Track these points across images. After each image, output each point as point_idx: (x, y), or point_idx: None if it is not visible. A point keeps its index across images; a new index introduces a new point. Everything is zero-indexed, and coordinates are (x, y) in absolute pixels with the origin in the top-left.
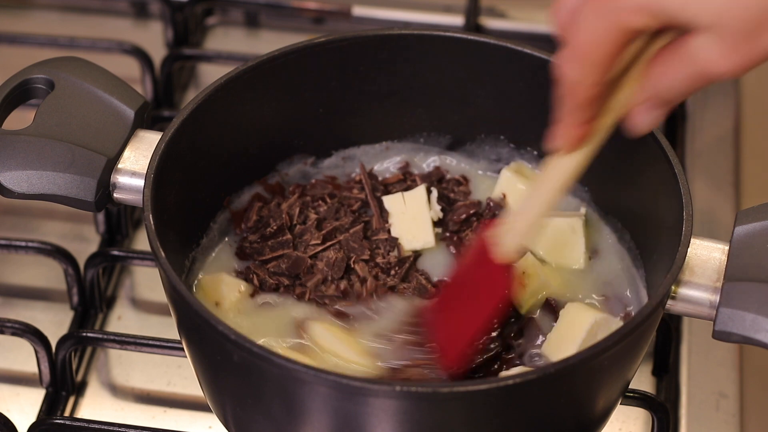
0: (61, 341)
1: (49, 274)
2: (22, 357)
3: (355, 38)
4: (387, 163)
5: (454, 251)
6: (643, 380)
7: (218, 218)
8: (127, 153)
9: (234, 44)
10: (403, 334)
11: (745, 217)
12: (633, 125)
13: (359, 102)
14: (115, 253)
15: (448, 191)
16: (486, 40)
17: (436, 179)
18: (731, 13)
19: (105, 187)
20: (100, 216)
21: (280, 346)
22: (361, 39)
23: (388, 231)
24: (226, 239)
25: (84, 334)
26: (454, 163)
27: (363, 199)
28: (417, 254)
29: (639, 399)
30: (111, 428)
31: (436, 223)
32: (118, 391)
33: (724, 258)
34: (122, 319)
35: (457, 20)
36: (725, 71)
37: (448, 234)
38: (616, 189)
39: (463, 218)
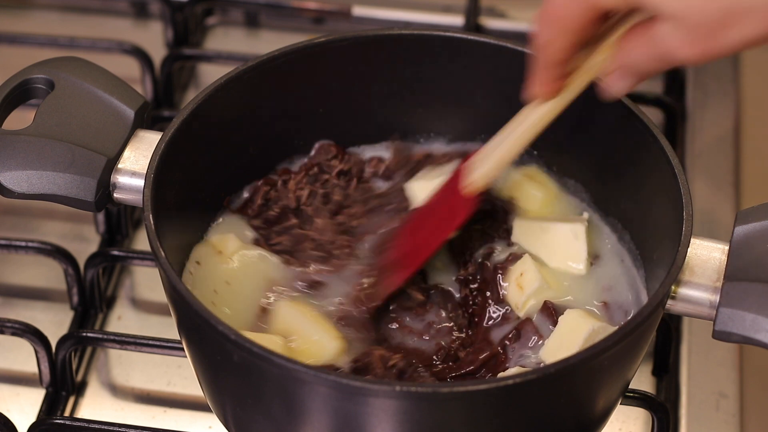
0: (61, 341)
1: (49, 274)
2: (22, 357)
3: (355, 38)
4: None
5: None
6: (643, 380)
7: (218, 218)
8: (127, 153)
9: (234, 44)
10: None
11: (745, 217)
12: (604, 89)
13: (359, 102)
14: (115, 253)
15: None
16: (486, 40)
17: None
18: (694, 8)
19: (105, 187)
20: (100, 216)
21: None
22: (361, 39)
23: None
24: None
25: (84, 334)
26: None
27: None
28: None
29: (639, 399)
30: (111, 428)
31: None
32: (118, 391)
33: (724, 258)
34: (122, 319)
35: (457, 20)
36: (686, 59)
37: None
38: (616, 189)
39: None
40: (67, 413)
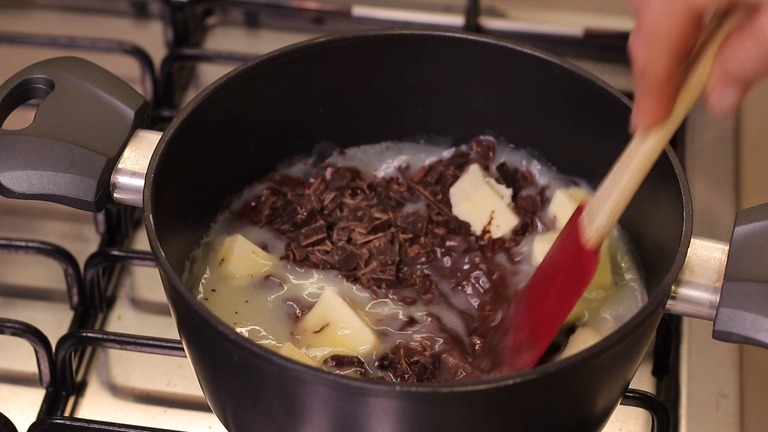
0: (61, 341)
1: (49, 274)
2: (22, 357)
3: (355, 38)
4: (387, 163)
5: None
6: (643, 380)
7: (218, 218)
8: (127, 153)
9: (234, 44)
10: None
11: (745, 217)
12: (712, 106)
13: (359, 102)
14: (115, 253)
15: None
16: (486, 40)
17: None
18: None
19: (105, 187)
20: (100, 216)
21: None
22: (361, 39)
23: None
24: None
25: (84, 334)
26: None
27: (403, 192)
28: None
29: (639, 399)
30: (111, 428)
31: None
32: (118, 391)
33: (724, 258)
34: (122, 319)
35: (457, 20)
36: None
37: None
38: None
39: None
40: (67, 413)
